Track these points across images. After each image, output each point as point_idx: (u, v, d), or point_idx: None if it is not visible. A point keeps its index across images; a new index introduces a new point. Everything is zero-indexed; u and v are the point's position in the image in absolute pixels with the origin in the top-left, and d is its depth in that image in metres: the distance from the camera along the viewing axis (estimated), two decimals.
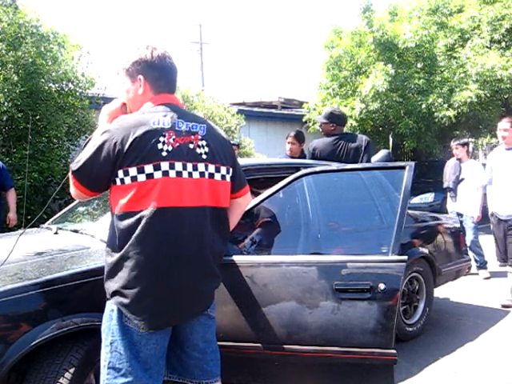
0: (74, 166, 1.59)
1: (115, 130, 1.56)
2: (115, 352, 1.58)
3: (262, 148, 10.47)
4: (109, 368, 1.58)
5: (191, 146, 1.61)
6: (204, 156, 1.63)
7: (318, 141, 4.12)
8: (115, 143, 1.53)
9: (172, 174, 1.56)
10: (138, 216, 1.53)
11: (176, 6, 72.25)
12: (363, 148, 3.85)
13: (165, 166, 1.55)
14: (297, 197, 2.62)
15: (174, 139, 1.58)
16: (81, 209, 3.22)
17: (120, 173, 1.53)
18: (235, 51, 61.07)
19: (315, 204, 2.57)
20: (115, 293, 1.56)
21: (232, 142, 8.17)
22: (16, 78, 5.56)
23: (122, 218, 1.55)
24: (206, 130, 1.67)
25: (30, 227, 2.55)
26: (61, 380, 1.89)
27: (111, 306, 1.60)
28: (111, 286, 1.58)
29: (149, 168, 1.53)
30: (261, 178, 2.96)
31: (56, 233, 2.74)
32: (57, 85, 6.35)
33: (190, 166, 1.60)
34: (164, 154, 1.55)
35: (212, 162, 1.65)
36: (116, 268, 1.56)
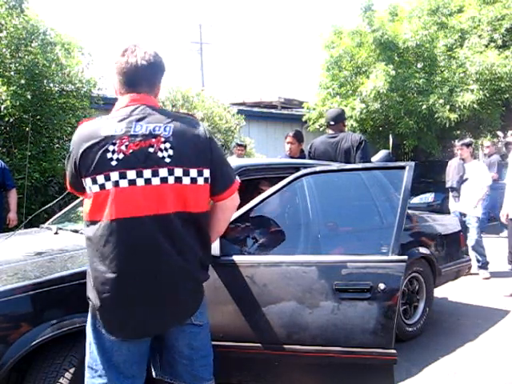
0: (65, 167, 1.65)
1: (73, 141, 1.58)
2: (92, 353, 1.61)
3: (262, 148, 10.47)
4: (88, 367, 1.62)
5: (151, 149, 1.51)
6: (167, 159, 1.52)
7: (316, 139, 4.19)
8: (72, 154, 1.56)
9: (123, 183, 1.49)
10: (96, 226, 1.52)
11: (176, 6, 72.29)
12: (355, 148, 3.87)
13: (114, 176, 1.49)
14: (297, 197, 2.62)
15: (126, 146, 1.50)
16: (81, 209, 3.22)
17: (82, 181, 1.56)
18: (235, 51, 61.07)
19: (315, 204, 2.57)
20: (88, 298, 1.59)
21: (238, 142, 8.22)
22: (22, 81, 5.58)
23: (86, 225, 1.56)
24: (173, 131, 1.55)
25: (27, 224, 2.56)
26: (61, 380, 1.90)
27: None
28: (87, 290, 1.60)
29: (100, 178, 1.50)
30: (261, 177, 2.96)
31: (56, 233, 2.75)
32: (58, 86, 6.38)
33: (147, 172, 1.50)
34: (113, 163, 1.49)
35: (178, 166, 1.53)
36: (88, 276, 1.59)
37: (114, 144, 1.50)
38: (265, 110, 12.52)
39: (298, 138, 4.59)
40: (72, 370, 1.92)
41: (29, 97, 5.54)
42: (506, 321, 3.89)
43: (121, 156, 1.50)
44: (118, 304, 1.53)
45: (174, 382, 1.73)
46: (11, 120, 5.69)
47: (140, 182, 1.50)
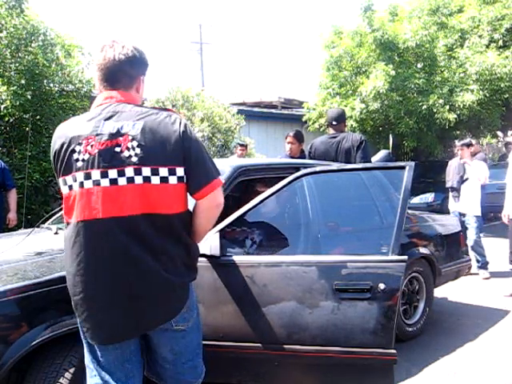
0: None
1: (52, 142, 1.59)
2: (86, 353, 1.62)
3: (262, 148, 10.47)
4: (86, 366, 1.65)
5: (117, 149, 1.47)
6: (134, 159, 1.47)
7: (316, 139, 4.20)
8: (51, 155, 1.59)
9: (88, 184, 1.47)
10: (68, 228, 1.53)
11: (176, 6, 72.30)
12: (355, 148, 3.87)
13: (80, 176, 1.48)
14: (297, 197, 2.62)
15: (92, 146, 1.47)
16: None
17: None
18: (235, 51, 61.09)
19: (315, 204, 2.57)
20: None
21: (240, 142, 8.23)
22: (23, 81, 5.59)
23: (65, 227, 1.56)
24: (142, 128, 1.49)
25: (27, 224, 2.55)
26: (61, 380, 1.90)
27: None
28: None
29: (69, 180, 1.51)
30: (261, 177, 2.96)
31: (56, 233, 2.74)
32: (58, 86, 6.39)
33: (113, 172, 1.46)
34: (79, 164, 1.48)
35: (146, 165, 1.47)
36: None
37: (80, 144, 1.49)
38: (265, 110, 12.51)
39: (299, 137, 4.59)
40: (72, 370, 1.92)
41: (29, 97, 5.55)
42: (506, 321, 3.89)
43: (86, 156, 1.48)
44: (88, 307, 1.51)
45: (160, 383, 1.73)
46: (11, 120, 5.70)
47: (105, 182, 1.46)
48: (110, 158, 1.47)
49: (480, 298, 4.52)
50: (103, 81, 1.60)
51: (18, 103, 5.36)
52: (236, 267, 2.21)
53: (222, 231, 2.24)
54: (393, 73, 9.11)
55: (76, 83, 6.46)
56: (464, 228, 5.09)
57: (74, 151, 1.49)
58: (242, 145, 7.34)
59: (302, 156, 4.54)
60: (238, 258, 2.24)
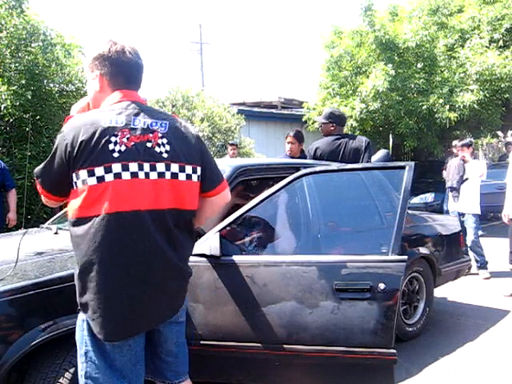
0: (36, 171, 1.56)
1: (66, 131, 1.49)
2: (90, 362, 1.54)
3: (262, 148, 10.48)
4: (86, 378, 1.55)
5: (149, 144, 1.51)
6: (165, 155, 1.53)
7: (319, 141, 4.17)
8: (66, 145, 1.46)
9: (125, 175, 1.46)
10: (90, 223, 1.45)
11: (176, 6, 72.27)
12: (363, 148, 3.88)
13: (117, 167, 1.46)
14: (297, 197, 2.62)
15: (128, 138, 1.48)
16: None
17: (73, 176, 1.46)
18: (235, 51, 61.13)
19: (315, 204, 2.57)
20: (81, 305, 1.53)
21: (230, 141, 8.11)
22: (23, 81, 5.59)
23: (75, 224, 1.48)
24: (168, 127, 1.57)
25: (27, 224, 2.55)
26: (61, 380, 1.90)
27: (82, 316, 1.56)
28: (77, 298, 1.53)
29: (99, 171, 1.44)
30: (261, 178, 2.95)
31: (56, 233, 2.74)
32: (58, 86, 6.39)
33: (147, 166, 1.50)
34: (116, 154, 1.46)
35: (175, 161, 1.54)
36: (77, 279, 1.51)
37: (115, 135, 1.47)
38: (265, 110, 12.53)
39: (299, 137, 4.59)
40: (72, 370, 1.92)
41: (29, 97, 5.55)
42: (506, 321, 3.89)
43: (123, 148, 1.47)
44: (114, 302, 1.48)
45: (154, 379, 1.73)
46: (11, 120, 5.70)
47: (141, 175, 1.49)
48: (143, 151, 1.51)
49: (480, 297, 4.52)
50: (122, 82, 1.59)
51: (18, 103, 5.36)
52: (236, 267, 2.21)
53: (221, 231, 2.24)
54: (392, 72, 9.12)
55: (76, 83, 6.46)
56: (463, 228, 5.10)
57: (109, 142, 1.46)
58: (232, 144, 7.17)
59: (302, 156, 4.54)
60: (238, 258, 2.24)
